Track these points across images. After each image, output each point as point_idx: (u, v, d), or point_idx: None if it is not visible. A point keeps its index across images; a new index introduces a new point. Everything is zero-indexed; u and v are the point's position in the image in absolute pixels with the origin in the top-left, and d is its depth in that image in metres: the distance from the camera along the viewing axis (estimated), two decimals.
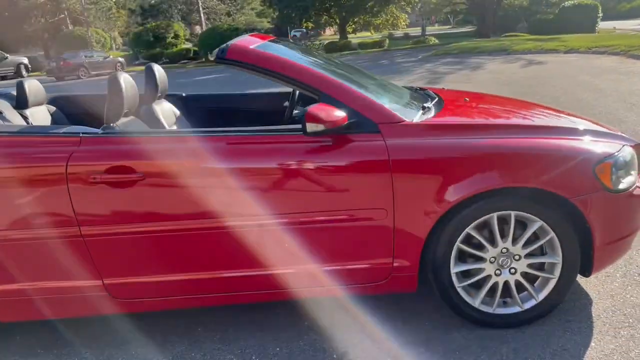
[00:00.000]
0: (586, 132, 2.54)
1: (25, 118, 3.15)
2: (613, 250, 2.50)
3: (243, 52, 2.45)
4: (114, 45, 43.99)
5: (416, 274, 2.47)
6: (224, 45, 2.48)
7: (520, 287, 2.52)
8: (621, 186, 2.40)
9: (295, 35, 46.60)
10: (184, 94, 3.79)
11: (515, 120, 2.72)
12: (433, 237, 2.40)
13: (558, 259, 2.43)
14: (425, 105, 2.73)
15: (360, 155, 2.32)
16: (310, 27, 42.93)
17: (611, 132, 2.64)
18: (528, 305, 2.51)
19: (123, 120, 2.74)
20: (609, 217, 2.39)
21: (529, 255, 2.46)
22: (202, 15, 37.83)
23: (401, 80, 13.62)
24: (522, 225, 2.43)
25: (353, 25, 39.28)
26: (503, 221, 2.40)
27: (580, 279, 2.87)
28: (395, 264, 2.45)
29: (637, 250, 3.21)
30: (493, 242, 2.42)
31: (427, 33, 38.02)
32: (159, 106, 3.19)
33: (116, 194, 2.34)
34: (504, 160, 2.30)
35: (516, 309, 2.52)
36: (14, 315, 2.56)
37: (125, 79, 2.75)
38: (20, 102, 3.20)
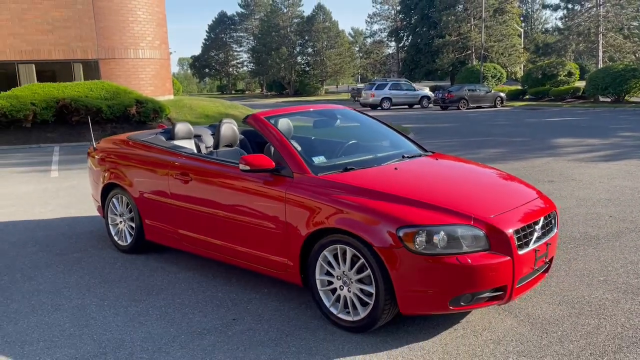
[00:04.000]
0: (429, 206, 3.17)
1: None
2: (416, 298, 3.07)
3: (254, 119, 4.07)
4: (516, 77, 46.11)
5: (298, 273, 3.57)
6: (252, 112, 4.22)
7: (360, 303, 3.28)
8: (424, 250, 2.98)
9: None
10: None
11: (390, 189, 3.36)
12: (308, 251, 3.50)
13: (372, 290, 3.17)
14: (349, 167, 3.74)
15: (273, 187, 3.65)
16: None
17: (459, 212, 3.15)
18: (356, 318, 3.29)
19: (224, 149, 4.81)
20: (408, 270, 3.01)
21: (359, 281, 3.26)
22: (600, 53, 35.84)
23: None
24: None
25: None
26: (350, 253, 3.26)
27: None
28: (288, 262, 3.62)
29: None
30: (339, 266, 3.36)
31: None
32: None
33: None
34: (343, 211, 3.25)
35: (349, 318, 3.33)
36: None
37: (226, 126, 4.81)
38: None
